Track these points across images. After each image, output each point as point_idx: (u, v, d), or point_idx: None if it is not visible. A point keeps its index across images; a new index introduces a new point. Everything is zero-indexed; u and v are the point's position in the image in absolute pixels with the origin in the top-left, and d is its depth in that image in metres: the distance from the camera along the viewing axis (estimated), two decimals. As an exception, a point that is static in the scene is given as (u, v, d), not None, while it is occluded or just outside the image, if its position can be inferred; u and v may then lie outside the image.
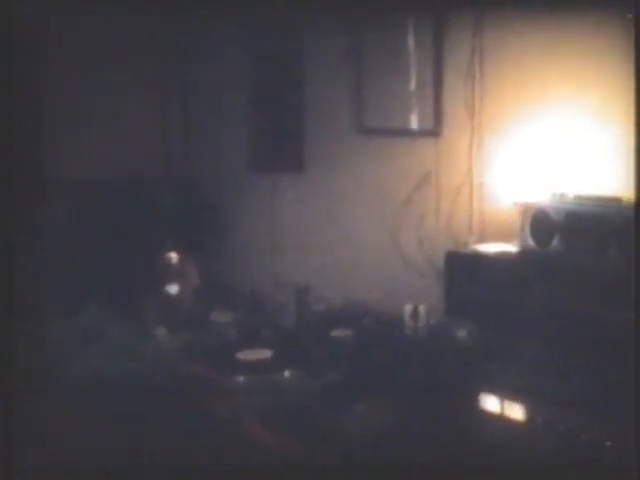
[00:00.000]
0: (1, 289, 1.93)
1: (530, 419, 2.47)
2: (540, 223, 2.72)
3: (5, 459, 1.84)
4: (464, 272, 2.95)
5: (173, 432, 1.83)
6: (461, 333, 2.96)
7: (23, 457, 1.85)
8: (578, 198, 2.69)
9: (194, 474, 1.86)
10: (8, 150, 1.98)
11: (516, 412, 2.52)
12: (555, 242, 2.67)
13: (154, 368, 2.00)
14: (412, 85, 3.52)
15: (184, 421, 1.83)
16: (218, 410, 2.42)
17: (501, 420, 2.53)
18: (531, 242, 2.76)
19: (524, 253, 2.79)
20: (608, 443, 2.19)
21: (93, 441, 1.85)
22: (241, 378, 2.92)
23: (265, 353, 3.13)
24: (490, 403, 2.58)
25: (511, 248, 2.88)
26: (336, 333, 3.29)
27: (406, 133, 3.58)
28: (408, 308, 3.13)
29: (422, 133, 3.52)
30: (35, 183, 2.06)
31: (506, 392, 2.55)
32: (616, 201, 2.56)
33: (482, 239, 3.21)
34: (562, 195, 2.73)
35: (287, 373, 2.99)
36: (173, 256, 1.91)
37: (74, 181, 4.22)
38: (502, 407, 2.55)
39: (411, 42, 3.50)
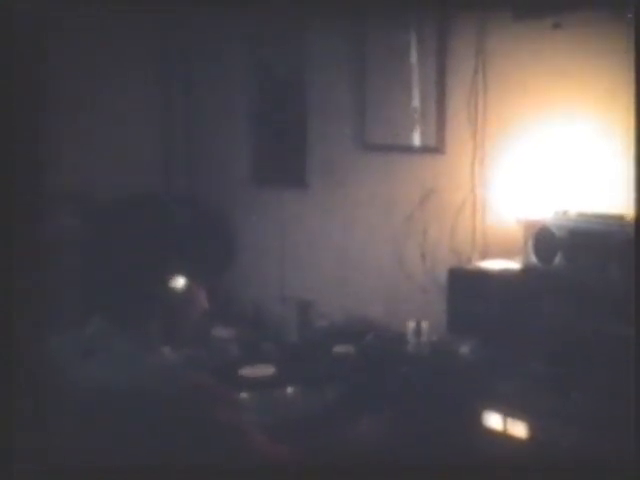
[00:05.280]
0: (1, 294, 1.93)
1: (533, 435, 2.47)
2: (543, 240, 2.72)
3: (4, 460, 1.84)
4: (467, 288, 2.94)
5: (174, 438, 1.83)
6: (464, 349, 2.96)
7: (22, 459, 1.85)
8: (581, 215, 2.69)
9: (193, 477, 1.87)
10: (8, 160, 1.97)
11: (519, 429, 2.51)
12: (558, 259, 2.67)
13: (155, 380, 2.00)
14: (415, 101, 3.53)
15: (184, 427, 1.83)
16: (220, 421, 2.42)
17: (504, 436, 2.53)
18: (534, 259, 2.75)
19: (527, 270, 2.79)
20: (610, 460, 2.19)
21: (93, 445, 1.85)
22: (244, 394, 2.91)
23: (268, 369, 3.13)
24: (493, 419, 2.58)
25: (514, 265, 2.88)
26: (339, 349, 3.28)
27: (409, 149, 3.59)
28: (411, 324, 3.13)
29: (425, 149, 3.52)
30: (35, 194, 2.05)
31: (509, 408, 2.55)
32: (619, 218, 2.56)
33: (485, 256, 3.21)
34: (565, 212, 2.73)
35: (290, 389, 2.98)
36: (180, 280, 1.90)
37: (75, 193, 4.21)
38: (505, 423, 2.55)
39: (414, 58, 3.51)
